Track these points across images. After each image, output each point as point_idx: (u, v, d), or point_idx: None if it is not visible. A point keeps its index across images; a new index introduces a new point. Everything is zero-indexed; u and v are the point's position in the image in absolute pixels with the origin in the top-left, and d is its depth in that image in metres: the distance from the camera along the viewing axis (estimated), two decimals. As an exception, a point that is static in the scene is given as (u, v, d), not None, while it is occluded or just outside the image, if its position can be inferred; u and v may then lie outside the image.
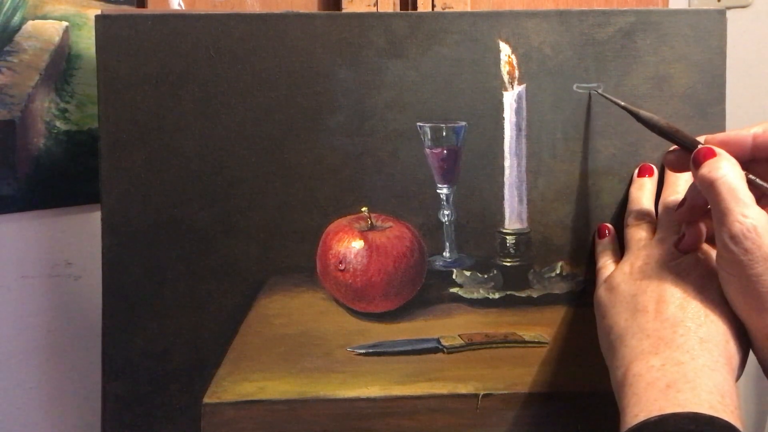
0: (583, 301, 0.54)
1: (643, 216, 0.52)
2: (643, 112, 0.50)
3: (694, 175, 0.46)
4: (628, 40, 0.54)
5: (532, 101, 0.54)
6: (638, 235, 0.51)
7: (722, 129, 0.54)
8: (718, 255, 0.44)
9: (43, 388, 0.65)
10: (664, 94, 0.54)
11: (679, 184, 0.52)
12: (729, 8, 0.54)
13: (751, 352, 0.46)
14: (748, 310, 0.44)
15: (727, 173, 0.44)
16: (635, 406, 0.42)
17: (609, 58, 0.54)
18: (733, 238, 0.42)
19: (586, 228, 0.54)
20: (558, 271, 0.54)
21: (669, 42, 0.54)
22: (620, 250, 0.52)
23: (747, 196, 0.43)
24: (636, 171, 0.54)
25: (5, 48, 0.61)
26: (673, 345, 0.43)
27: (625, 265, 0.49)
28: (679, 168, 0.50)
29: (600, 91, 0.53)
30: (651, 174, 0.54)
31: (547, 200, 0.54)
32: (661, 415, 0.40)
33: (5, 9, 0.61)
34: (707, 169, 0.44)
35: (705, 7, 0.63)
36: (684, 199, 0.48)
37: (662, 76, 0.54)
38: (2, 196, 0.62)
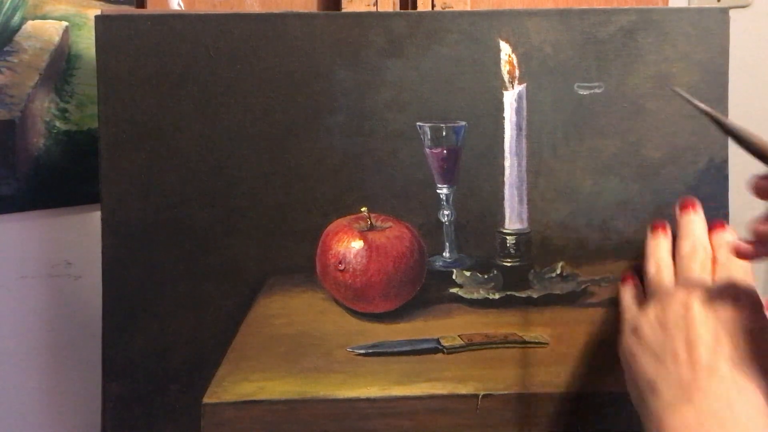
0: (583, 301, 0.54)
1: (663, 265, 0.51)
2: (729, 122, 0.44)
3: None
4: (629, 38, 0.54)
5: (532, 101, 0.54)
6: (661, 281, 0.50)
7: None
8: None
9: (43, 388, 0.65)
10: (666, 93, 0.54)
11: (695, 230, 0.51)
12: (729, 8, 0.54)
13: None
14: None
15: None
16: None
17: (610, 57, 0.54)
18: None
19: (586, 228, 0.54)
20: (558, 272, 0.54)
21: (671, 41, 0.54)
22: (641, 285, 0.52)
23: None
24: (649, 229, 0.53)
25: (5, 48, 0.61)
26: (708, 392, 0.42)
27: (650, 311, 0.48)
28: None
29: (679, 90, 0.48)
30: (664, 229, 0.53)
31: (547, 200, 0.54)
32: None
33: (5, 9, 0.61)
34: None
35: (707, 6, 0.63)
36: None
37: (664, 75, 0.54)
38: (2, 196, 0.62)
